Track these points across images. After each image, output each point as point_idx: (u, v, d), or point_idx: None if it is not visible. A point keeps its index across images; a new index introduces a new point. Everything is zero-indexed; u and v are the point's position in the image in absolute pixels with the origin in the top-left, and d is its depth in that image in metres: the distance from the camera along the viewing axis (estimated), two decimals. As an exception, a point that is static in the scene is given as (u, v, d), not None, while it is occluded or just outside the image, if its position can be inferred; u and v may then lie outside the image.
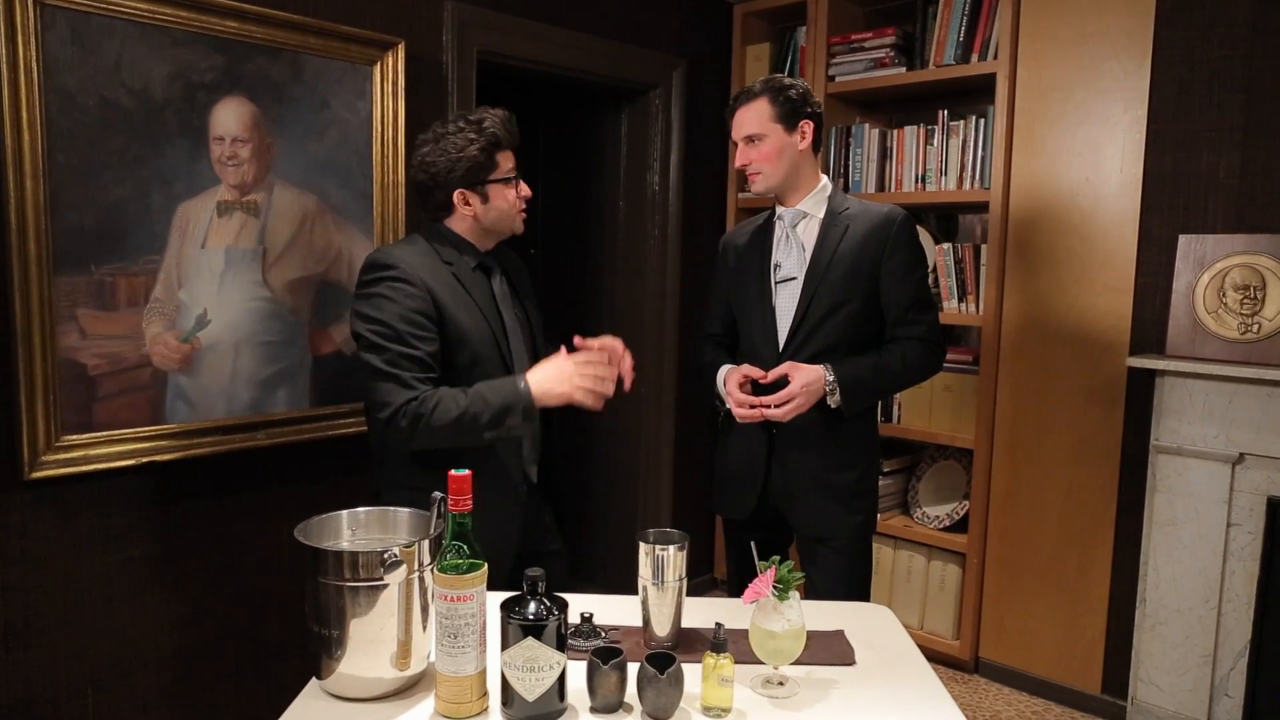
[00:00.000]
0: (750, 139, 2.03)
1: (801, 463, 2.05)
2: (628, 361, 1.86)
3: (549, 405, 1.76)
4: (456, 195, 1.83)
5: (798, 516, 2.08)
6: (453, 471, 1.24)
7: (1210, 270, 2.51)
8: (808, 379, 1.94)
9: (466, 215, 1.85)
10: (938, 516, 3.18)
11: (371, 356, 1.71)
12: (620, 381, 1.83)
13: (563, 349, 1.82)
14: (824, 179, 2.10)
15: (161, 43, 2.04)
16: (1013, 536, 3.00)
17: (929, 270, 2.95)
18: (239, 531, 2.31)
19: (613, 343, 1.85)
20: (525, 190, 1.90)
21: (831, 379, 1.96)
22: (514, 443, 1.86)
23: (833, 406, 1.98)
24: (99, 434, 2.02)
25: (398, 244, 1.86)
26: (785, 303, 2.06)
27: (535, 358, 1.93)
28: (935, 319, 2.07)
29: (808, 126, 2.02)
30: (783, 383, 1.96)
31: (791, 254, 2.07)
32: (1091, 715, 2.85)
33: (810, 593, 1.97)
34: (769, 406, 1.96)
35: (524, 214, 1.91)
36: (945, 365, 3.08)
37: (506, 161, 1.85)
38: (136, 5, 1.99)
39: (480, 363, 1.81)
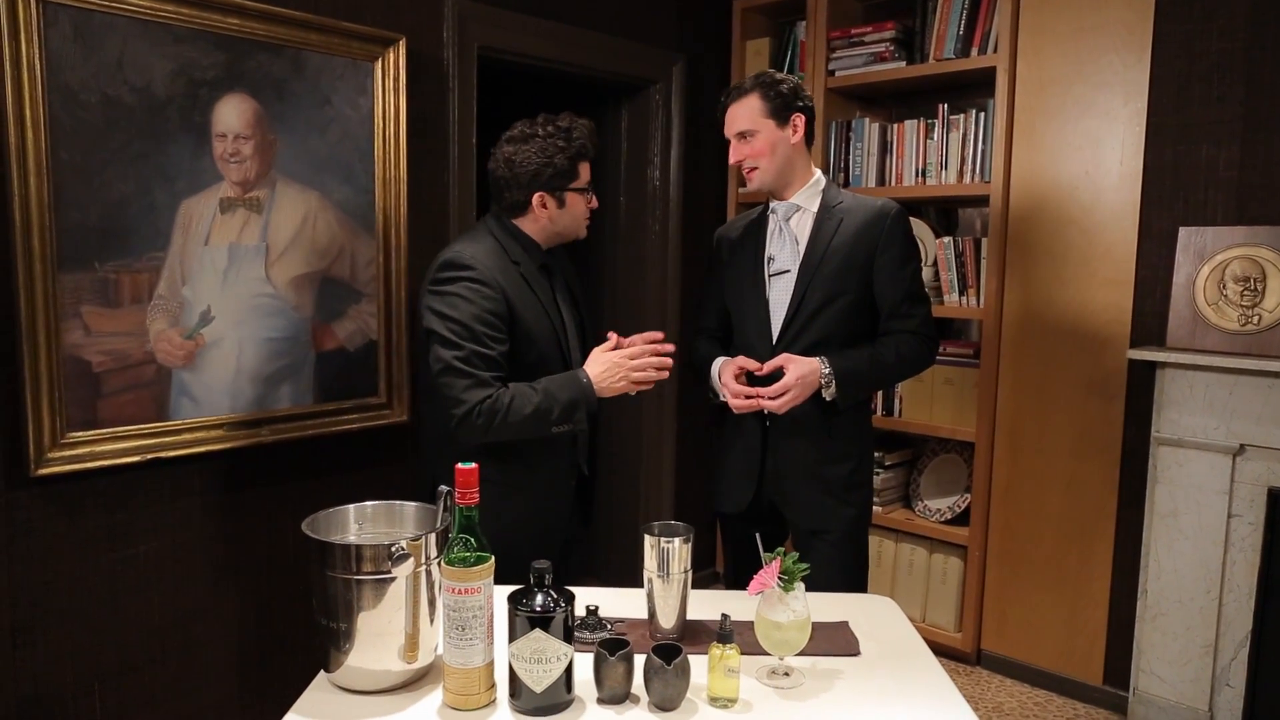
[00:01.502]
0: (742, 135, 2.02)
1: (796, 455, 2.06)
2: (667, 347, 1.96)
3: (606, 397, 1.85)
4: (536, 198, 1.87)
5: (792, 509, 2.09)
6: (459, 465, 1.25)
7: (1210, 262, 2.52)
8: (803, 371, 1.95)
9: (541, 217, 1.90)
10: (939, 510, 3.19)
11: (447, 353, 1.75)
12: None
13: (612, 336, 1.90)
14: (817, 172, 2.10)
15: (163, 39, 2.04)
16: (1014, 529, 3.01)
17: (925, 264, 2.96)
18: (244, 527, 2.32)
19: (654, 335, 1.94)
20: (594, 202, 1.97)
21: (827, 371, 1.97)
22: (577, 436, 1.93)
23: (828, 399, 1.99)
24: (104, 431, 2.03)
25: (468, 241, 1.89)
26: (779, 296, 2.07)
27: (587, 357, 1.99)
28: (928, 312, 2.08)
29: (799, 120, 2.02)
30: (778, 375, 1.97)
31: (785, 247, 2.07)
32: (1093, 706, 2.86)
33: (805, 586, 1.99)
34: (765, 398, 1.97)
35: (588, 220, 1.98)
36: (946, 359, 3.12)
37: (585, 172, 1.91)
38: (138, 2, 1.99)
39: (545, 361, 1.87)
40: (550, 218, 1.90)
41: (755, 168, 2.03)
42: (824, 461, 2.05)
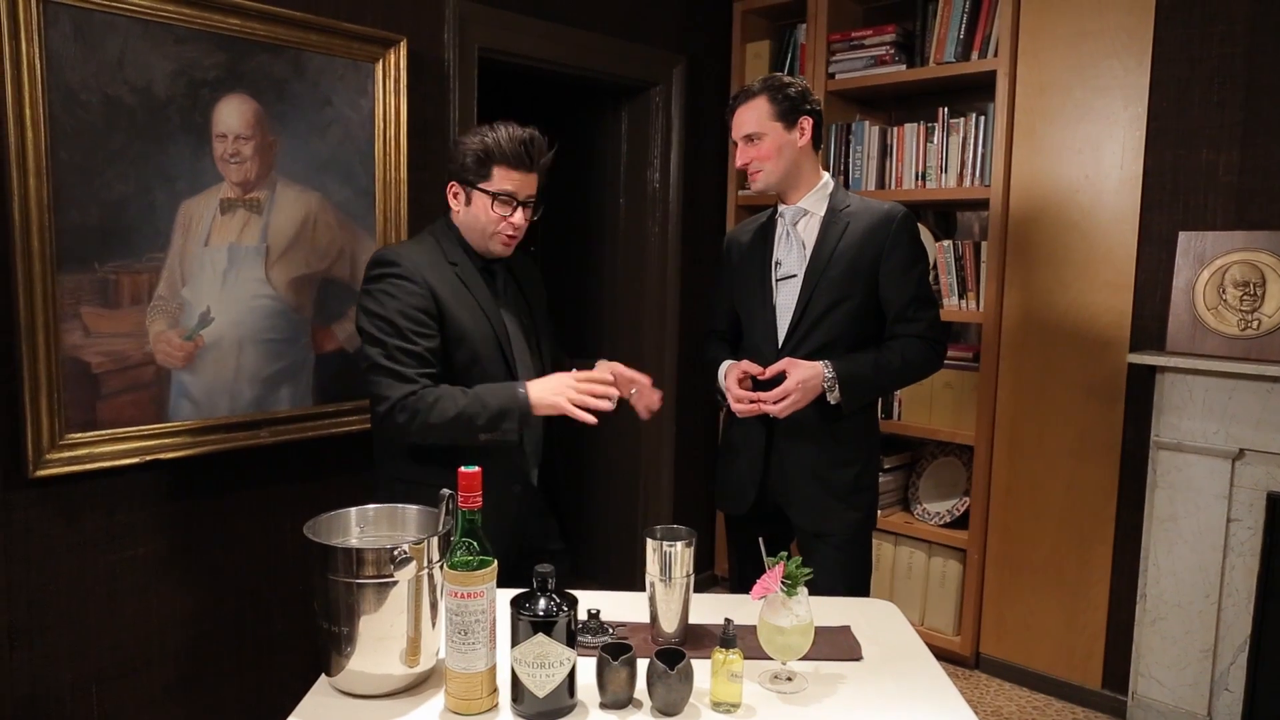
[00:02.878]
0: (750, 138, 2.03)
1: (800, 458, 2.06)
2: (648, 390, 1.93)
3: (544, 414, 1.78)
4: (449, 185, 1.87)
5: (797, 512, 2.09)
6: (463, 469, 1.24)
7: (1210, 267, 2.52)
8: (804, 375, 1.95)
9: (455, 208, 1.89)
10: (938, 513, 3.19)
11: (372, 350, 1.76)
12: (623, 403, 1.89)
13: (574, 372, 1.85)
14: (825, 176, 2.10)
15: (164, 40, 2.04)
16: (1013, 533, 3.01)
17: (929, 267, 2.95)
18: (243, 529, 2.31)
19: (619, 369, 1.90)
20: (516, 218, 1.83)
21: (830, 375, 1.97)
22: (514, 445, 1.87)
23: (832, 403, 1.99)
24: (103, 432, 2.02)
25: (405, 242, 1.89)
26: (785, 299, 2.07)
27: (540, 362, 1.97)
28: (936, 316, 2.08)
29: (807, 123, 2.03)
30: (781, 379, 1.97)
31: (792, 251, 2.08)
32: (1092, 710, 2.86)
33: (809, 589, 1.98)
34: (767, 403, 1.96)
35: (508, 239, 1.86)
36: (946, 362, 3.09)
37: (503, 180, 1.81)
38: (139, 2, 1.98)
39: (479, 362, 1.84)
40: (459, 211, 1.87)
41: (759, 170, 2.04)
42: (828, 465, 2.05)
